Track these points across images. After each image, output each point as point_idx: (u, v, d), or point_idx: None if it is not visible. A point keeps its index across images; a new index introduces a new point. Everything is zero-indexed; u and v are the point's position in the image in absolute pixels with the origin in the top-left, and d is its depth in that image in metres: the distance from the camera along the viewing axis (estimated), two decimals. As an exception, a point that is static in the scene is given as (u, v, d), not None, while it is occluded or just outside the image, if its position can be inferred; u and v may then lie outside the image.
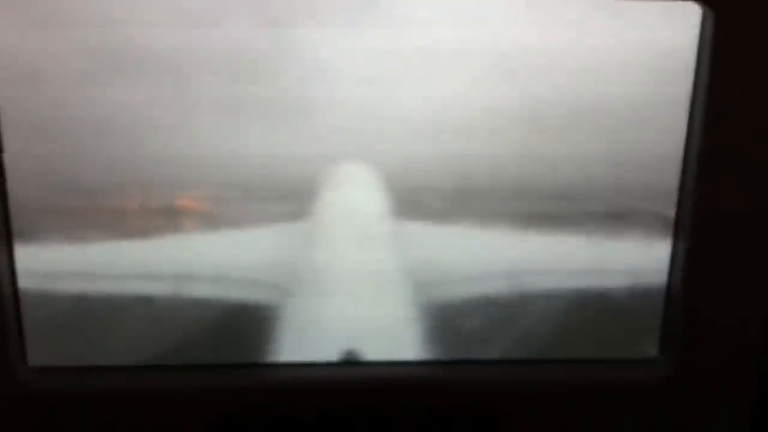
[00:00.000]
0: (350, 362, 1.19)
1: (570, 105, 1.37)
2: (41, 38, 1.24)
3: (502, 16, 1.30)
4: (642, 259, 1.34)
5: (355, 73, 1.42)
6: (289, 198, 1.68)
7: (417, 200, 1.69)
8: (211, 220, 1.75)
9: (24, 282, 1.18)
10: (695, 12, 1.02)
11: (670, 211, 1.13)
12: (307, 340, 1.47)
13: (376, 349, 1.31)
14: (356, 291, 1.59)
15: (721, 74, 0.98)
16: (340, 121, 1.46)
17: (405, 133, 1.50)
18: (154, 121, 1.44)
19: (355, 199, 1.84)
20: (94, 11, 1.24)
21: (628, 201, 1.43)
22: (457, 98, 1.45)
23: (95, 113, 1.36)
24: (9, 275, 1.03)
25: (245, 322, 1.63)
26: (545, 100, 1.38)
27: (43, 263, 1.46)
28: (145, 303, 1.62)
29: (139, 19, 1.27)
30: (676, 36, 1.07)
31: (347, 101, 1.45)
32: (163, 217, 1.74)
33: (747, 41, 0.97)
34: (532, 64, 1.36)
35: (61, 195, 1.49)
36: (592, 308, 1.51)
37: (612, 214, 1.49)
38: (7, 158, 1.02)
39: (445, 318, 1.58)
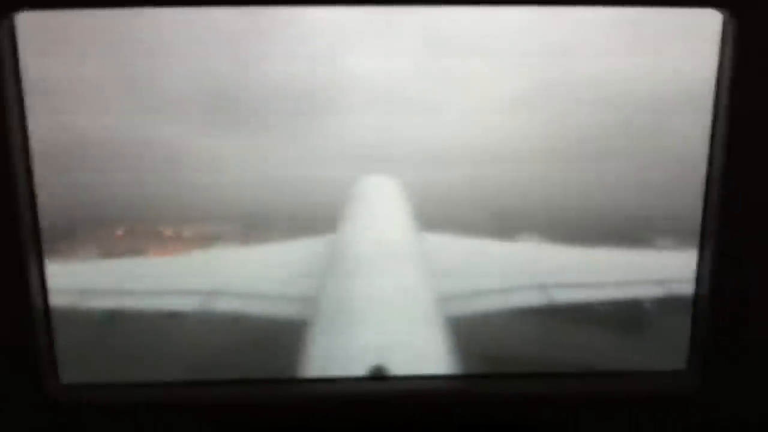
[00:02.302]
0: (378, 377, 1.19)
1: (595, 124, 1.38)
2: (83, 67, 1.26)
3: (533, 45, 1.31)
4: (670, 270, 1.34)
5: (389, 93, 1.44)
6: (317, 213, 1.69)
7: (444, 214, 1.69)
8: (238, 238, 1.77)
9: (55, 299, 1.19)
10: (715, 24, 1.01)
11: (697, 223, 1.12)
12: (335, 354, 1.47)
13: (404, 364, 1.32)
14: (384, 305, 1.60)
15: (742, 80, 0.97)
16: (369, 139, 1.47)
17: (434, 152, 1.50)
18: (181, 151, 1.47)
19: (381, 212, 1.85)
20: (118, 42, 1.26)
21: (656, 214, 1.43)
22: (488, 122, 1.46)
23: (124, 142, 1.39)
24: (40, 292, 1.03)
25: (274, 337, 1.64)
26: (572, 125, 1.39)
27: (75, 280, 1.48)
28: (174, 318, 1.64)
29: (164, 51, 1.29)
30: (695, 55, 1.08)
31: (377, 120, 1.46)
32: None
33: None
34: (559, 90, 1.37)
35: (92, 217, 1.52)
36: (621, 320, 1.50)
37: (640, 228, 1.49)
38: (40, 180, 1.03)
39: (473, 332, 1.58)
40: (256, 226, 1.78)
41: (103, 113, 1.36)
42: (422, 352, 1.46)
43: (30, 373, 1.03)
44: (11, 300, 1.01)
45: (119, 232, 1.71)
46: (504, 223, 1.64)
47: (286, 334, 1.61)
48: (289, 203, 1.64)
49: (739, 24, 0.95)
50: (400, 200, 1.74)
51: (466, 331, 1.57)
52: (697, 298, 1.09)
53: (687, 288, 1.13)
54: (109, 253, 1.71)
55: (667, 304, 1.41)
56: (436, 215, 1.71)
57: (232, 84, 1.39)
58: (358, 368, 1.28)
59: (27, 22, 0.93)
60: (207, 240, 1.83)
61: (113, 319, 1.63)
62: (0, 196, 0.96)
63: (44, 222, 1.11)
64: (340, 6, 0.94)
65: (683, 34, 1.14)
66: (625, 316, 1.52)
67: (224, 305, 1.69)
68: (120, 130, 1.38)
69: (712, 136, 1.03)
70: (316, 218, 1.72)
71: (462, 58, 1.38)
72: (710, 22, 1.01)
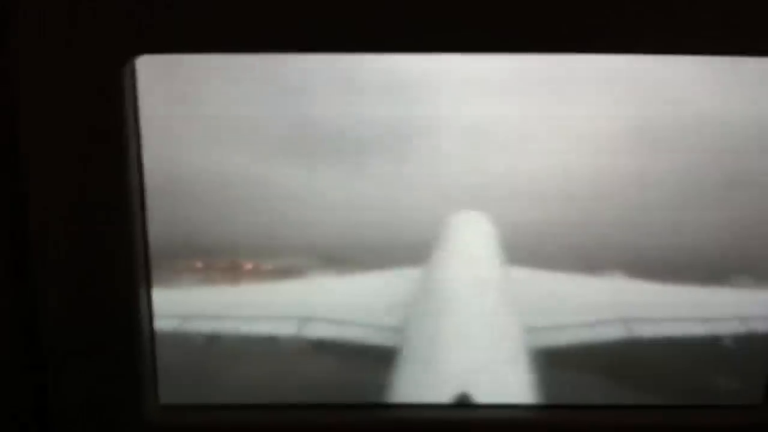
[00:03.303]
0: (464, 405, 1.23)
1: (677, 166, 1.40)
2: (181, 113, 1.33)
3: (625, 86, 1.34)
4: (750, 307, 1.35)
5: (481, 131, 1.48)
6: (409, 244, 1.73)
7: (532, 249, 1.72)
8: (334, 265, 1.82)
9: (159, 323, 1.25)
10: None
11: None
12: (422, 382, 1.52)
13: (488, 393, 1.35)
14: (470, 336, 1.63)
15: None
16: (462, 174, 1.52)
17: (524, 189, 1.54)
18: (274, 187, 1.53)
19: (471, 246, 1.89)
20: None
21: (736, 251, 1.45)
22: (578, 161, 1.49)
23: (220, 178, 1.46)
24: (148, 317, 1.10)
25: (364, 363, 1.69)
26: (656, 165, 1.42)
27: (178, 306, 1.55)
28: (270, 343, 1.70)
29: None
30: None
31: (468, 156, 1.51)
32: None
33: None
34: (645, 131, 1.40)
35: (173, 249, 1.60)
36: (701, 355, 1.51)
37: (719, 265, 1.50)
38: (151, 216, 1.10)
39: (556, 363, 1.61)
40: (344, 260, 1.84)
41: (205, 149, 1.43)
42: (506, 382, 1.49)
43: (131, 393, 1.10)
44: (122, 323, 1.07)
45: (198, 264, 1.76)
46: (589, 258, 1.67)
47: (376, 361, 1.66)
48: (381, 238, 1.69)
49: None
50: (489, 235, 1.77)
51: (549, 363, 1.59)
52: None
53: (766, 325, 1.14)
54: (208, 279, 1.78)
55: (746, 340, 1.42)
56: (524, 250, 1.74)
57: (329, 125, 1.45)
58: (445, 396, 1.33)
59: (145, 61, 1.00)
60: (287, 274, 1.89)
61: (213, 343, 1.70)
62: (119, 223, 1.03)
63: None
64: (418, 54, 0.99)
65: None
66: (705, 351, 1.53)
67: (319, 331, 1.75)
68: (218, 166, 1.45)
69: None
70: (406, 252, 1.77)
71: (551, 98, 1.41)
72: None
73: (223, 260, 1.79)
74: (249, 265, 1.84)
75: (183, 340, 1.58)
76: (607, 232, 1.57)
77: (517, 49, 0.96)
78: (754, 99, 1.24)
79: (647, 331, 1.61)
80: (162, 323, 1.21)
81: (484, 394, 1.32)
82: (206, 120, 1.38)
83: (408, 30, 0.95)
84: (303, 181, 1.53)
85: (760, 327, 1.18)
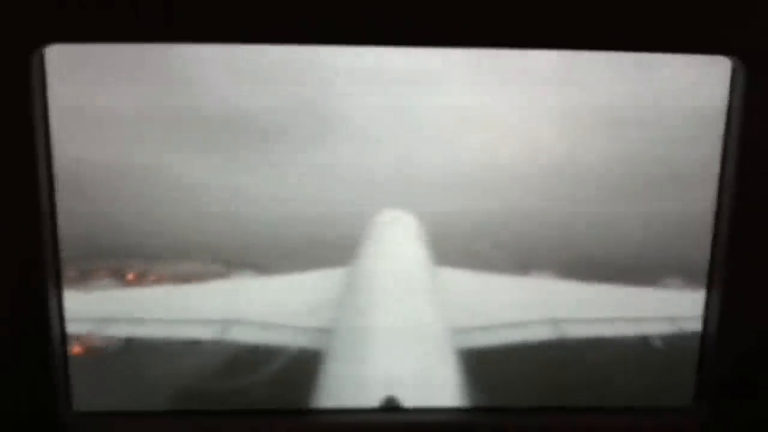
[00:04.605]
0: (391, 408, 1.20)
1: (608, 164, 1.40)
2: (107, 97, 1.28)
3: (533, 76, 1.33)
4: (679, 307, 1.35)
5: (406, 126, 1.46)
6: (333, 246, 1.70)
7: (459, 248, 1.71)
8: (257, 268, 1.79)
9: (72, 327, 1.20)
10: (725, 67, 1.02)
11: (705, 260, 1.13)
12: (348, 385, 1.49)
13: (416, 396, 1.33)
14: (397, 337, 1.61)
15: (752, 126, 0.99)
16: (385, 173, 1.49)
17: (447, 185, 1.52)
18: (204, 185, 1.49)
19: (397, 245, 1.87)
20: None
21: (665, 252, 1.45)
22: (503, 157, 1.48)
23: (128, 174, 1.41)
24: (58, 320, 1.05)
25: (289, 367, 1.66)
26: (584, 163, 1.41)
27: (92, 308, 1.50)
28: (191, 348, 1.65)
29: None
30: (707, 93, 1.09)
31: (394, 155, 1.48)
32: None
33: None
34: (573, 126, 1.39)
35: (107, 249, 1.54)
36: (631, 356, 1.52)
37: (649, 265, 1.50)
38: (61, 212, 1.05)
39: (484, 365, 1.60)
40: (262, 261, 1.80)
41: (114, 143, 1.38)
42: (434, 385, 1.47)
43: (43, 400, 1.05)
44: (30, 327, 1.02)
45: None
46: (517, 258, 1.66)
47: (300, 364, 1.62)
48: (305, 236, 1.66)
49: (748, 70, 0.97)
50: (416, 234, 1.75)
51: (478, 364, 1.58)
52: (704, 335, 1.10)
53: (695, 325, 1.14)
54: (125, 280, 1.73)
55: (676, 341, 1.42)
56: (451, 249, 1.73)
57: (248, 116, 1.42)
58: (371, 400, 1.30)
59: (58, 52, 0.96)
60: (200, 277, 1.83)
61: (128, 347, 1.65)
62: (26, 223, 0.98)
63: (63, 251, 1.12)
64: (379, 46, 0.96)
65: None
66: (635, 352, 1.53)
67: (242, 335, 1.71)
68: (123, 164, 1.40)
69: (721, 176, 1.04)
70: (330, 252, 1.74)
71: (480, 90, 1.40)
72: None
73: (133, 263, 1.74)
74: (157, 269, 1.79)
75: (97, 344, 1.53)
76: (536, 232, 1.56)
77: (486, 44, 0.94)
78: (694, 91, 1.23)
79: (577, 331, 1.61)
80: (75, 327, 1.16)
81: (411, 397, 1.30)
82: (101, 112, 1.33)
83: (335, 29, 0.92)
84: (214, 177, 1.49)
85: (690, 327, 1.17)
